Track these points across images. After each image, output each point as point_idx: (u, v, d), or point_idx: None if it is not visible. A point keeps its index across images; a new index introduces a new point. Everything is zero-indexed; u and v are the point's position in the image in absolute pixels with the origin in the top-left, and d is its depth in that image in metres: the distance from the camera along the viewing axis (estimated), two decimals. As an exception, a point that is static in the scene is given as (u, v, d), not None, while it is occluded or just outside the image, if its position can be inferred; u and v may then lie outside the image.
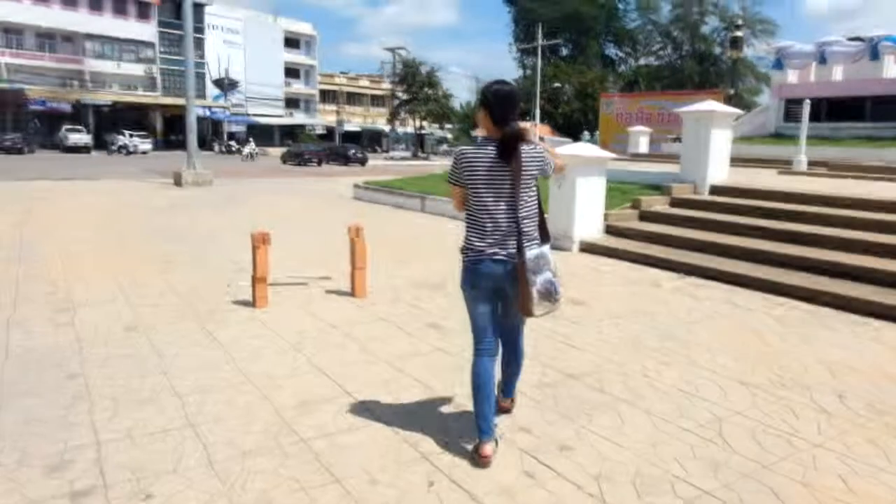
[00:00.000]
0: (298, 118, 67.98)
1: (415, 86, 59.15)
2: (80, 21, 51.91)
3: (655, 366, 4.39)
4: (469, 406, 3.32)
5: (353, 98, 76.65)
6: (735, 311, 5.94)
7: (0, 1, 46.52)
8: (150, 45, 56.69)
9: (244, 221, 11.30)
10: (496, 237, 3.02)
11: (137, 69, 55.98)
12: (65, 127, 46.29)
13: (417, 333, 5.01)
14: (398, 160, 49.80)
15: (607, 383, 4.05)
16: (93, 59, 53.23)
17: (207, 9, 60.56)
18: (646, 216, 9.58)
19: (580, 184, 8.57)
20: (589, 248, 8.72)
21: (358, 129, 70.99)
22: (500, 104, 3.00)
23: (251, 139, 48.99)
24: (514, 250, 3.01)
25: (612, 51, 74.71)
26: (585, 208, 8.73)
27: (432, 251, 8.80)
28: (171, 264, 7.51)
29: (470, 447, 3.13)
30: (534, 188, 3.11)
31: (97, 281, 6.53)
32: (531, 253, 3.00)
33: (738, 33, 19.60)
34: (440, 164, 39.61)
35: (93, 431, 3.25)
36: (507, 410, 3.54)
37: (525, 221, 3.03)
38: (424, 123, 63.54)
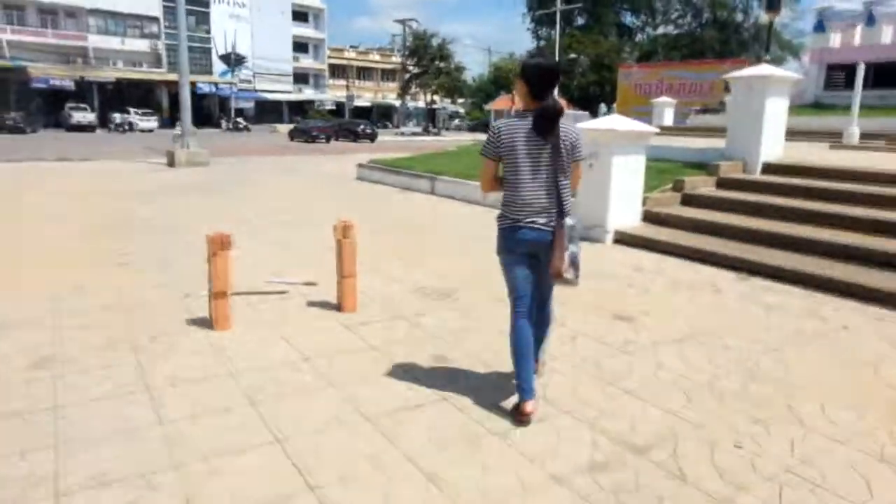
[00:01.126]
0: (307, 94, 66.46)
1: (426, 59, 57.43)
2: (83, -5, 50.54)
3: (749, 427, 3.13)
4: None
5: (363, 73, 74.83)
6: (827, 328, 4.64)
7: (-1, -24, 45.33)
8: (154, 20, 55.23)
9: (233, 208, 10.12)
10: (533, 208, 3.08)
11: (142, 45, 54.62)
12: (68, 105, 45.19)
13: (418, 372, 3.77)
14: (409, 136, 48.30)
15: (689, 463, 2.80)
16: (96, 36, 51.93)
17: (213, -18, 58.93)
18: (689, 200, 8.24)
19: (616, 164, 7.24)
20: (625, 240, 7.42)
21: (368, 104, 69.33)
22: (539, 78, 3.02)
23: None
24: (550, 219, 3.08)
25: (628, 19, 72.21)
26: (622, 193, 7.41)
27: (442, 245, 7.54)
28: (129, 266, 6.31)
29: None
30: (569, 164, 3.11)
31: (31, 290, 5.34)
32: (570, 220, 3.08)
33: (776, -8, 17.90)
34: (452, 139, 38.25)
35: None
36: (527, 418, 3.16)
37: (563, 192, 3.08)
38: (436, 97, 61.81)
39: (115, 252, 6.87)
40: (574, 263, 3.05)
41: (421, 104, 64.98)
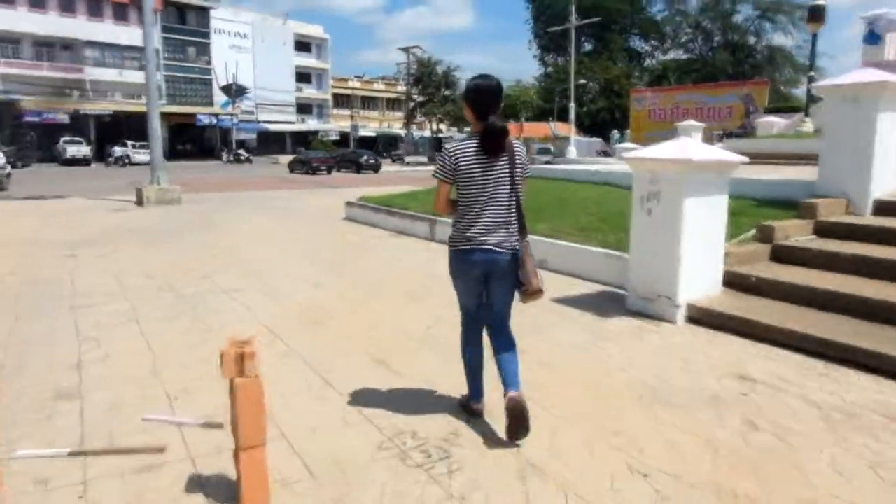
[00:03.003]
0: (311, 124, 64.99)
1: (431, 86, 55.80)
2: (79, 28, 49.38)
3: None
4: None
5: (367, 102, 73.43)
6: None
7: (-6, 8, 44.15)
8: (153, 51, 53.99)
9: (170, 264, 7.87)
10: (490, 227, 3.06)
11: (140, 77, 53.23)
12: (62, 139, 43.80)
13: None
14: (414, 166, 46.26)
15: None
16: (93, 68, 50.64)
17: (213, 13, 57.84)
18: (783, 254, 5.94)
19: (690, 207, 4.97)
20: (704, 319, 5.09)
21: (373, 133, 67.63)
22: (480, 98, 3.03)
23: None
24: (508, 238, 3.08)
25: (637, 44, 70.88)
26: (697, 249, 5.13)
27: (438, 325, 5.22)
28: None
29: None
30: (521, 182, 3.14)
31: None
32: (526, 238, 3.15)
33: (820, 1, 15.81)
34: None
35: None
36: (518, 402, 2.99)
37: (522, 208, 3.13)
38: (442, 126, 60.00)
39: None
40: (539, 275, 3.11)
41: (427, 133, 63.19)
